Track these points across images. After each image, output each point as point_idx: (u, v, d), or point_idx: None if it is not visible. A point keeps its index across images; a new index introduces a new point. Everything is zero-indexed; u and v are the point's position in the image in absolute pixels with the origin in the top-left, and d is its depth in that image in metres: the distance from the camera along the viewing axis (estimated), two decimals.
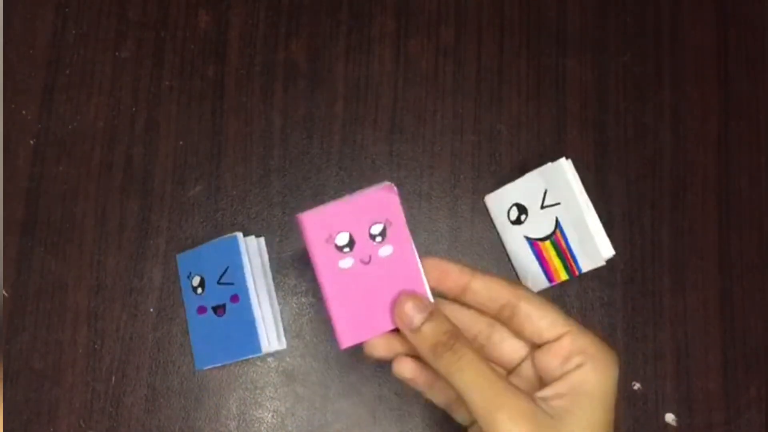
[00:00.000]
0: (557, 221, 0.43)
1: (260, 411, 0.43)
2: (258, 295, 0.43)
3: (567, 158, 0.43)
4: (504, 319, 0.34)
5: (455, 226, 0.45)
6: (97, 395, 0.43)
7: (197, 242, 0.45)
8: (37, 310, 0.44)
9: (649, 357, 0.44)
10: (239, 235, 0.43)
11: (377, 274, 0.36)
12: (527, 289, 0.34)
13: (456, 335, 0.32)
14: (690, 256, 0.45)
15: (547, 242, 0.43)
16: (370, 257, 0.36)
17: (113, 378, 0.43)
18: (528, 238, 0.44)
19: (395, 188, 0.36)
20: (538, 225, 0.43)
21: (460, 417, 0.36)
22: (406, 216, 0.37)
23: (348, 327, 0.36)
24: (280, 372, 0.44)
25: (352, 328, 0.36)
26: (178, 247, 0.45)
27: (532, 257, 0.43)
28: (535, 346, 0.33)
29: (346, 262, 0.36)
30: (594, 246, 0.42)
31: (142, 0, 0.48)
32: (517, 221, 0.44)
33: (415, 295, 0.34)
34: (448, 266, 0.35)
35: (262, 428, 0.43)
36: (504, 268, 0.45)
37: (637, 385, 0.44)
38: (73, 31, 0.47)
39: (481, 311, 0.34)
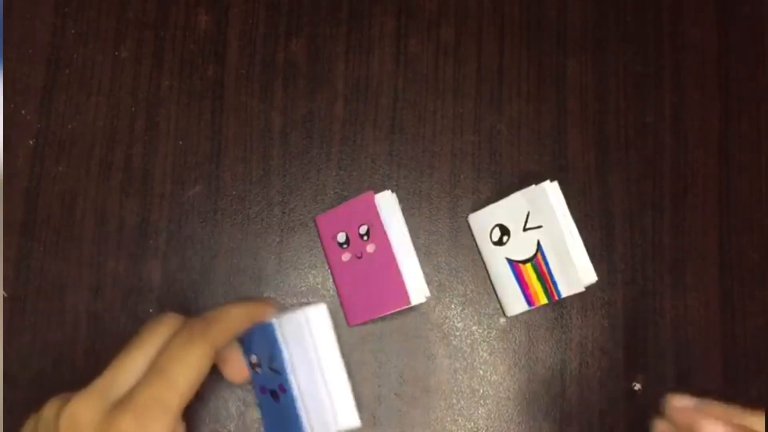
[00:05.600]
0: (539, 244, 0.42)
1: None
2: (304, 386, 0.38)
3: (552, 180, 0.42)
4: None
5: (455, 227, 0.45)
6: None
7: (196, 242, 0.45)
8: (36, 310, 0.44)
9: (649, 357, 0.44)
10: (275, 323, 0.38)
11: (367, 268, 0.43)
12: None
13: None
14: (690, 256, 0.45)
15: (528, 265, 0.43)
16: (362, 253, 0.43)
17: None
18: (509, 260, 0.43)
19: (374, 195, 0.43)
20: (520, 247, 0.43)
21: None
22: (404, 218, 0.44)
23: (353, 309, 0.43)
24: None
25: (356, 310, 0.43)
26: (178, 246, 0.45)
27: (513, 279, 0.43)
28: None
29: (346, 256, 0.44)
30: (574, 271, 0.42)
31: (141, 0, 0.48)
32: (499, 242, 0.44)
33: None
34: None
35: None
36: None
37: (637, 386, 0.44)
38: (73, 31, 0.47)
39: None
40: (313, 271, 0.45)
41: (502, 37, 0.48)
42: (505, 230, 0.43)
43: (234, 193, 0.46)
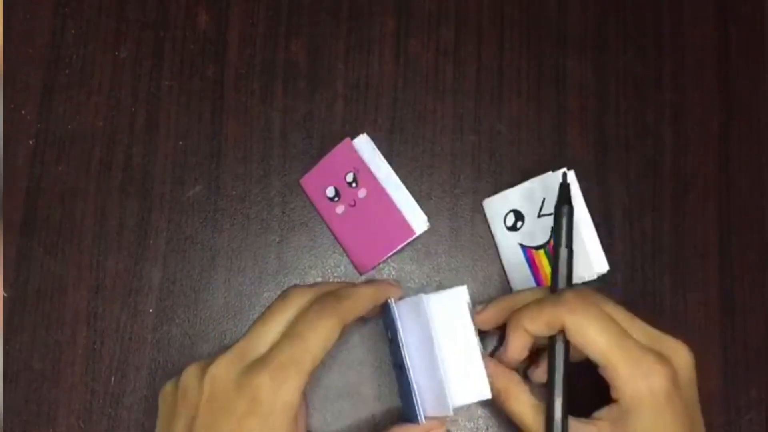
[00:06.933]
0: (553, 231, 0.42)
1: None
2: (418, 363, 0.39)
3: (569, 169, 0.42)
4: None
5: (455, 227, 0.45)
6: (96, 396, 0.43)
7: (196, 242, 0.45)
8: (36, 310, 0.44)
9: None
10: (391, 301, 0.40)
11: (364, 213, 0.44)
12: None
13: None
14: (690, 256, 0.45)
15: (541, 251, 0.43)
16: (354, 201, 0.44)
17: (113, 379, 0.43)
18: (522, 246, 0.43)
19: (351, 141, 0.44)
20: (534, 233, 0.43)
21: None
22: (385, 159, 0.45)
23: (361, 257, 0.44)
24: None
25: (365, 257, 0.44)
26: (178, 246, 0.45)
27: (525, 264, 0.43)
28: None
29: (340, 208, 0.44)
30: (587, 260, 0.41)
31: (141, 0, 0.48)
32: (513, 227, 0.44)
33: None
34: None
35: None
36: (502, 268, 0.45)
37: None
38: (73, 31, 0.47)
39: None
40: (312, 271, 0.45)
41: (502, 37, 0.48)
42: (519, 216, 0.44)
43: (234, 193, 0.46)
